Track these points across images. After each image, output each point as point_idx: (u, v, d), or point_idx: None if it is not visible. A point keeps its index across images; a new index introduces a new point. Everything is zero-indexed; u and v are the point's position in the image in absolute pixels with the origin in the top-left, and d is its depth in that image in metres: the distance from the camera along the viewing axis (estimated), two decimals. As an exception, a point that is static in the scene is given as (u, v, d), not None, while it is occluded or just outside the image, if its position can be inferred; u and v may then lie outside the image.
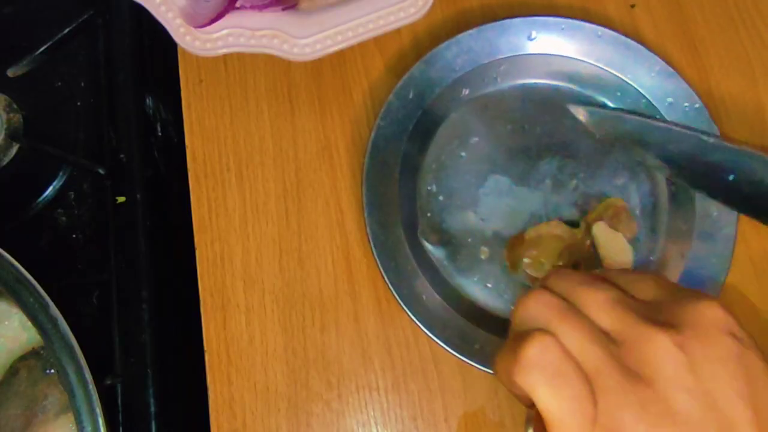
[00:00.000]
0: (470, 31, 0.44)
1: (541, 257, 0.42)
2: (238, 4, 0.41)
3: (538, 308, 0.28)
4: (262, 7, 0.41)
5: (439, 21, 0.45)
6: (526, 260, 0.42)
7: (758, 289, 0.42)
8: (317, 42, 0.41)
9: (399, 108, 0.44)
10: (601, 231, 0.42)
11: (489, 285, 0.43)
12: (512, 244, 0.43)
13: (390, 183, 0.43)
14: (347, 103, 0.47)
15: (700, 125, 0.43)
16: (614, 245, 0.42)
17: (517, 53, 0.45)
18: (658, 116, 0.44)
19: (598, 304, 0.28)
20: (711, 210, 0.42)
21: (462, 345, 0.39)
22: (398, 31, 0.46)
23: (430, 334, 0.39)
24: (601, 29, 0.44)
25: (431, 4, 0.41)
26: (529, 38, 0.45)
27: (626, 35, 0.44)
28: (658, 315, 0.28)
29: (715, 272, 0.41)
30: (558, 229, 0.42)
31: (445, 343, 0.39)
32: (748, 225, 0.43)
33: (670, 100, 0.44)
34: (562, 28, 0.45)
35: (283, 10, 0.42)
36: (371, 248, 0.41)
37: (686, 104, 0.43)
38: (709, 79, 0.46)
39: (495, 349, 0.39)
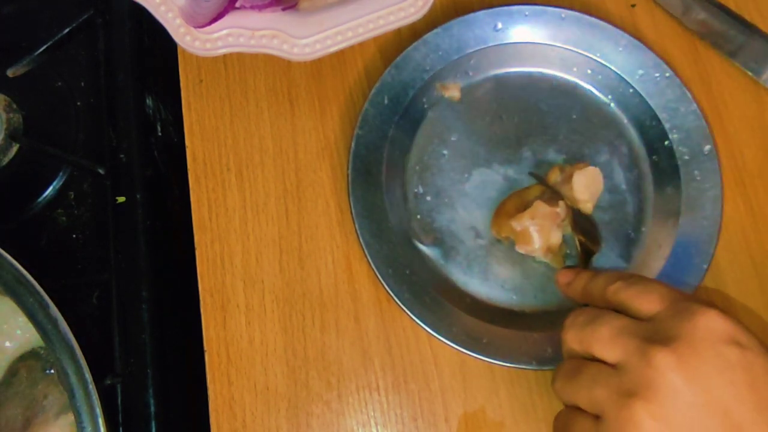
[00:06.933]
0: (436, 30, 0.45)
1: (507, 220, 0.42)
2: (238, 4, 0.41)
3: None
4: (262, 7, 0.41)
5: (439, 20, 0.45)
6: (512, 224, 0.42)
7: (758, 288, 0.42)
8: (317, 42, 0.41)
9: (375, 115, 0.44)
10: (579, 176, 0.42)
11: (489, 278, 0.43)
12: (496, 214, 0.43)
13: (376, 191, 0.43)
14: (347, 103, 0.47)
15: (672, 93, 0.43)
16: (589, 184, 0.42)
17: (486, 45, 0.46)
18: (630, 90, 0.45)
19: (603, 341, 0.31)
20: (694, 173, 0.42)
21: (469, 341, 0.39)
22: (398, 31, 0.46)
23: (438, 336, 0.39)
24: (564, 11, 0.45)
25: (431, 4, 0.41)
26: (495, 29, 0.45)
27: (590, 14, 0.44)
28: (660, 332, 0.30)
29: (706, 235, 0.41)
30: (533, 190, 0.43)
31: (453, 342, 0.39)
32: (748, 224, 0.43)
33: (641, 72, 0.44)
34: (526, 15, 0.45)
35: (283, 10, 0.42)
36: (367, 259, 0.41)
37: (657, 74, 0.44)
38: (710, 79, 0.46)
39: (502, 340, 0.40)
